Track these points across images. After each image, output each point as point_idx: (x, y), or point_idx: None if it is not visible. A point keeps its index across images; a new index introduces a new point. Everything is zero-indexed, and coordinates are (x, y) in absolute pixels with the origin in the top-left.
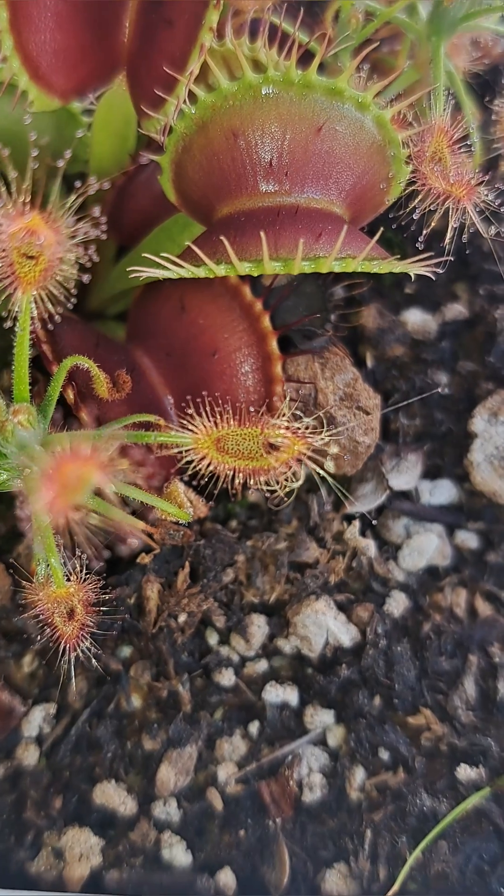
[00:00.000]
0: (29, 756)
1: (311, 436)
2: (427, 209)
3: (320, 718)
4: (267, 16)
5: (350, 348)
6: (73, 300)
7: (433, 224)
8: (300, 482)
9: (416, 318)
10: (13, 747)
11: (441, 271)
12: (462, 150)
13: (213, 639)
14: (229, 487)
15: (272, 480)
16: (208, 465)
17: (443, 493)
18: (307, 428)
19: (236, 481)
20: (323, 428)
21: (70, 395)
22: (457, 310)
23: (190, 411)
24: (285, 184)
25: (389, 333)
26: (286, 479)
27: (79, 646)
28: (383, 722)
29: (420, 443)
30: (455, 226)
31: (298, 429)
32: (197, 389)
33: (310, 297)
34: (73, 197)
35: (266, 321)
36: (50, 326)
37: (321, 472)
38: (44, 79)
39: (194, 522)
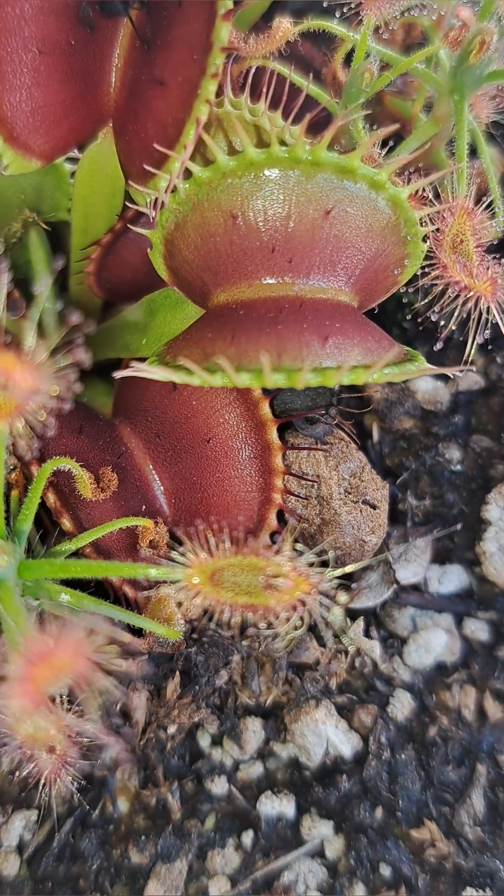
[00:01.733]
0: (9, 866)
1: (315, 575)
2: (446, 304)
3: (318, 830)
4: (270, 63)
5: (355, 419)
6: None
7: (448, 306)
8: (304, 629)
9: (427, 387)
10: None
11: (460, 374)
12: (485, 226)
13: (204, 741)
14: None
15: (272, 620)
16: (201, 600)
17: (452, 580)
18: (311, 565)
19: (233, 619)
20: (325, 534)
21: (51, 499)
22: (472, 378)
23: (180, 531)
24: (289, 272)
25: (398, 405)
26: (289, 622)
27: (59, 778)
28: (385, 837)
29: (430, 525)
30: (476, 336)
31: (302, 565)
32: (190, 477)
33: None
34: (55, 336)
35: (265, 408)
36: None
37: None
38: (19, 140)
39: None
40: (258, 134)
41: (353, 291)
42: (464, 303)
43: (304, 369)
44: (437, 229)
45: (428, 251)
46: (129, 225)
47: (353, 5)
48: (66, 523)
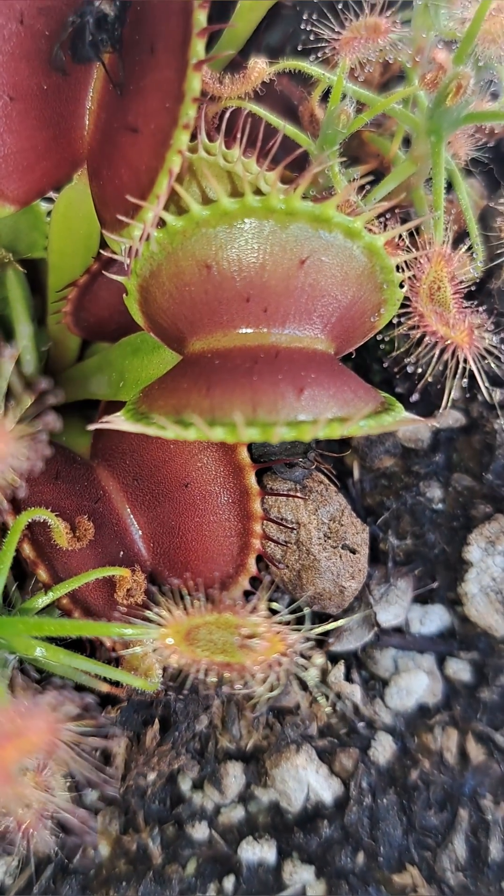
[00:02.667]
0: None
1: (291, 634)
2: (423, 354)
3: (300, 875)
4: (246, 104)
5: (335, 458)
6: None
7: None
8: (280, 690)
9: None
10: None
11: (437, 424)
12: (463, 270)
13: (185, 784)
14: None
15: (248, 679)
16: (177, 658)
17: (434, 620)
18: (287, 624)
19: (208, 678)
20: (305, 580)
21: (26, 550)
22: (453, 416)
23: (154, 588)
24: (264, 322)
25: (378, 444)
26: (265, 683)
27: (37, 830)
28: (367, 882)
29: (411, 565)
30: (452, 386)
31: (278, 623)
32: (169, 522)
33: None
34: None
35: (244, 453)
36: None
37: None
38: None
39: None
40: (232, 180)
41: (330, 338)
42: (441, 352)
43: (278, 423)
44: (414, 276)
45: (405, 297)
46: (103, 271)
47: (327, 50)
48: (42, 574)
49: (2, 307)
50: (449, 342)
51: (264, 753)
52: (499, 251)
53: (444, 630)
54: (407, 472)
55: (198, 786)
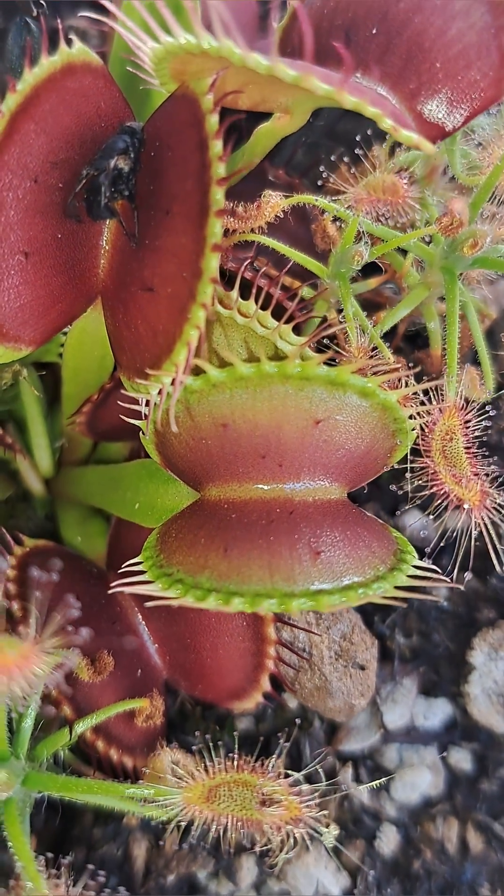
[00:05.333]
0: None
1: (307, 803)
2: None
3: None
4: (260, 237)
5: None
6: None
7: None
8: (295, 849)
9: (415, 523)
10: None
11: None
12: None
13: (202, 873)
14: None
15: (263, 835)
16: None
17: (437, 714)
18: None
19: (228, 834)
20: (317, 698)
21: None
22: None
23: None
24: (279, 476)
25: None
26: (279, 840)
27: None
28: None
29: (416, 662)
30: (463, 544)
31: (297, 792)
32: (184, 639)
33: None
34: None
35: None
36: None
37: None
38: (9, 335)
39: None
40: (247, 339)
41: (343, 485)
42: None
43: (296, 595)
44: (425, 426)
45: (419, 464)
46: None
47: (345, 203)
48: (66, 710)
49: (15, 405)
50: (462, 502)
51: (278, 850)
52: None
53: (448, 721)
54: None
55: (213, 875)
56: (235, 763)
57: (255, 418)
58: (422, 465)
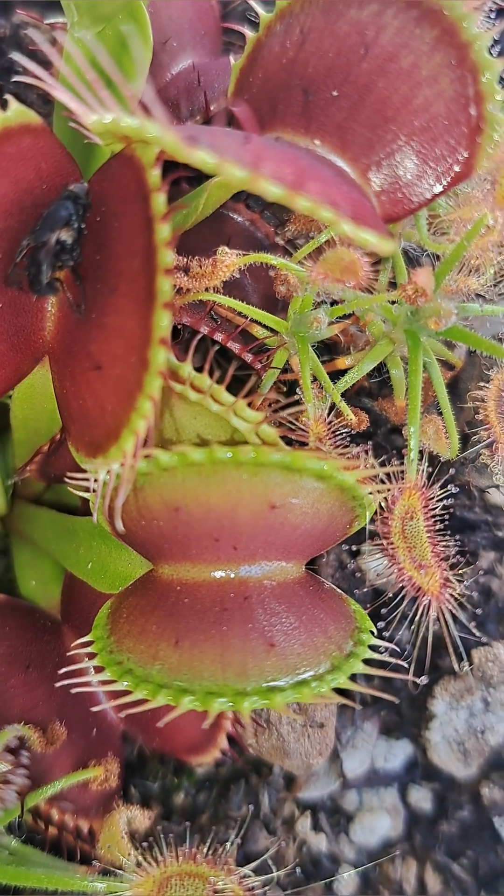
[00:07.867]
0: None
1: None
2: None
3: None
4: (214, 295)
5: None
6: None
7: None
8: None
9: (379, 567)
10: None
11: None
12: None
13: None
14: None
15: None
16: None
17: (398, 755)
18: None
19: None
20: (273, 758)
21: None
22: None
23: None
24: (234, 560)
25: (350, 593)
26: None
27: None
28: None
29: (377, 705)
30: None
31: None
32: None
33: None
34: None
35: None
36: None
37: None
38: None
39: None
40: (200, 415)
41: (300, 561)
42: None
43: (248, 694)
44: (389, 505)
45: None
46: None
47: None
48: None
49: None
50: (420, 592)
51: None
52: (472, 430)
53: (409, 761)
54: (376, 616)
55: None
56: (188, 852)
57: (209, 502)
58: (384, 536)
